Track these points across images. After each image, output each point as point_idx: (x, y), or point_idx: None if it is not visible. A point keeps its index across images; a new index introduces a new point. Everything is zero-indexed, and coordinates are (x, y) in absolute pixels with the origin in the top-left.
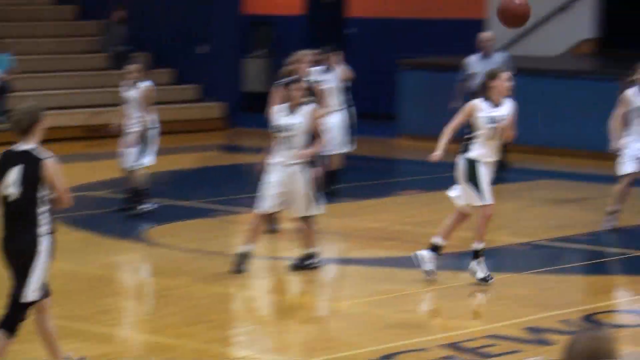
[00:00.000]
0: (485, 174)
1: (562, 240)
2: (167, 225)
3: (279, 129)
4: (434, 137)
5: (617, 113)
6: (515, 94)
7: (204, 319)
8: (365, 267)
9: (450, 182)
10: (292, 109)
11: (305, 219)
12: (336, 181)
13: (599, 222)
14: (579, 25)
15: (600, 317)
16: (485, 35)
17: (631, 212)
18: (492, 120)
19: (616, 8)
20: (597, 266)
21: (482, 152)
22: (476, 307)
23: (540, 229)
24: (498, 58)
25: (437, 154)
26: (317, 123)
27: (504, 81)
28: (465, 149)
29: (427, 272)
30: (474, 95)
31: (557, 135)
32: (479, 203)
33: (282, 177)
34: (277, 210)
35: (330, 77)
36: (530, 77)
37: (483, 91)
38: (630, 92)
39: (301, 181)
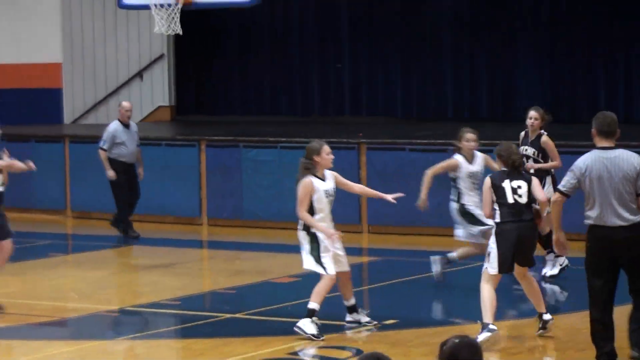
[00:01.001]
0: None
1: (151, 306)
2: None
3: None
4: (15, 208)
5: (436, 171)
6: (99, 162)
7: None
8: None
9: (30, 252)
10: None
11: None
12: None
13: (186, 287)
14: (154, 93)
15: None
16: (125, 104)
17: (224, 275)
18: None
19: (187, 76)
20: (186, 330)
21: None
22: None
23: (129, 295)
24: (134, 128)
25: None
26: None
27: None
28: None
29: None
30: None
31: (147, 201)
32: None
33: None
34: None
35: None
36: None
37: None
38: (460, 159)
39: None
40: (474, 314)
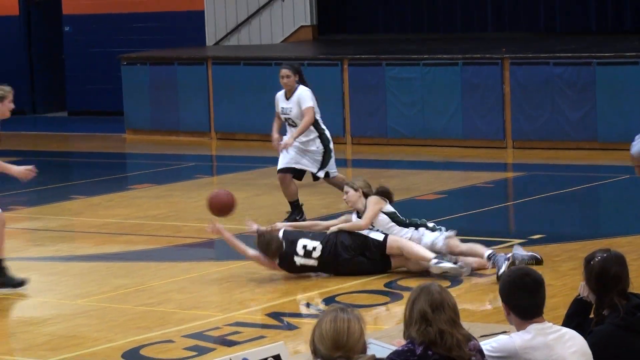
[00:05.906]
0: None
1: None
2: None
3: None
4: (160, 130)
5: None
6: (242, 84)
7: None
8: (103, 263)
9: (175, 174)
10: None
11: None
12: None
13: (331, 206)
14: (296, 13)
15: (342, 299)
16: None
17: None
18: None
19: None
20: None
21: None
22: (218, 296)
23: (275, 215)
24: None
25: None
26: None
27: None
28: None
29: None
30: None
31: None
32: None
33: None
34: None
35: None
36: (254, 67)
37: None
38: None
39: None
40: (619, 227)
